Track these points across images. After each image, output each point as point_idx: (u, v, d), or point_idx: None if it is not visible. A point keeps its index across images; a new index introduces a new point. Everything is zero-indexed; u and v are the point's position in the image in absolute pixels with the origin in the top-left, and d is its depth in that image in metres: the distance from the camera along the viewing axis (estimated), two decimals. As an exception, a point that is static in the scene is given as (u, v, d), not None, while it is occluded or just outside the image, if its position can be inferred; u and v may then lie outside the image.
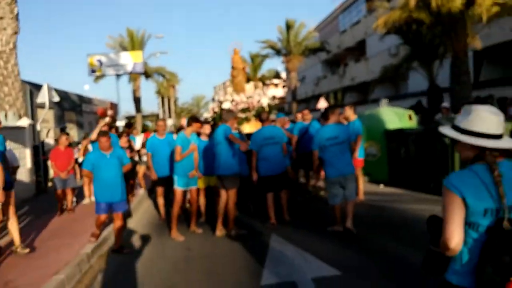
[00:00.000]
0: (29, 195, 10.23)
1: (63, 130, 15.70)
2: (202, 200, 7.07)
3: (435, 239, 1.84)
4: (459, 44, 11.97)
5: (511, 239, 1.65)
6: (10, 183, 5.50)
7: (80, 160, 9.93)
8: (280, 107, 29.24)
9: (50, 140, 12.41)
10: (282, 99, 41.87)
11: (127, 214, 7.37)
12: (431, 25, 12.92)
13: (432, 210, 2.44)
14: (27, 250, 5.52)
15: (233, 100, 9.06)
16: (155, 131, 7.70)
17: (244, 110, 8.85)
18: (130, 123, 16.44)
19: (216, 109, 9.49)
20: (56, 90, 12.27)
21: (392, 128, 9.67)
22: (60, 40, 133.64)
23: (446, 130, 1.93)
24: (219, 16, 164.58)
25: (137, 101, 32.45)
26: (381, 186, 9.41)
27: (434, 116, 11.90)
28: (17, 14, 10.41)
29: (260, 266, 4.65)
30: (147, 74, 32.68)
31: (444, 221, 1.77)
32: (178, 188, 6.22)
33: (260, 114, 6.99)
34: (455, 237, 1.72)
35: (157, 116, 41.28)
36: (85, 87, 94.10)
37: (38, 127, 12.05)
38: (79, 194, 9.26)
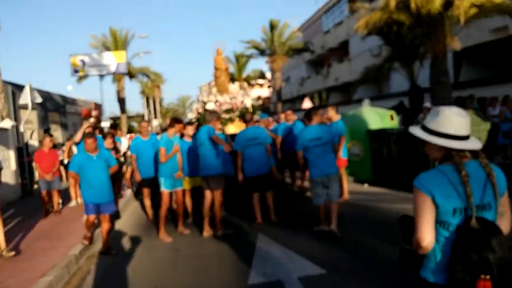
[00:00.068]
0: (15, 197, 10.16)
1: (47, 132, 15.56)
2: (188, 201, 7.14)
3: (408, 238, 1.89)
4: (439, 45, 12.23)
5: (479, 238, 1.70)
6: None
7: (65, 161, 9.90)
8: (266, 107, 29.40)
9: (34, 142, 12.34)
10: (267, 99, 42.07)
11: (115, 215, 7.40)
12: (411, 26, 13.12)
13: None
14: (12, 253, 5.53)
15: (216, 101, 9.12)
16: (139, 132, 7.75)
17: (228, 111, 8.92)
18: (115, 124, 16.38)
19: (200, 110, 9.55)
20: (39, 91, 12.20)
21: (374, 128, 9.85)
22: (42, 40, 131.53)
23: (415, 130, 1.97)
24: (204, 16, 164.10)
25: (121, 101, 32.18)
26: (365, 185, 9.54)
27: (417, 116, 12.14)
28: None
29: (247, 266, 4.74)
30: (131, 75, 32.42)
31: (416, 220, 1.82)
32: (164, 190, 6.28)
33: (244, 115, 7.05)
34: (427, 236, 1.77)
35: (142, 116, 41.04)
36: (69, 88, 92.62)
37: (22, 129, 11.94)
38: (65, 196, 9.23)
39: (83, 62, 27.20)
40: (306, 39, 32.93)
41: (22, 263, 5.25)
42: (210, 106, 9.02)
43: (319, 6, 34.64)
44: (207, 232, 6.21)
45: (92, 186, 5.55)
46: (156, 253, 5.64)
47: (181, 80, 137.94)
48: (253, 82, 38.36)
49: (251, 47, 31.23)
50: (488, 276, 1.67)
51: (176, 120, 6.74)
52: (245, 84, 34.88)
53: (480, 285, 1.68)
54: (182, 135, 7.06)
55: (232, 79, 33.02)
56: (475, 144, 1.86)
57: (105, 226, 5.69)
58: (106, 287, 4.65)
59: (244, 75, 35.96)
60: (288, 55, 30.53)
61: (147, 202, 7.58)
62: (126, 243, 6.29)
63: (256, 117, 7.94)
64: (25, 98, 11.40)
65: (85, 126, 7.47)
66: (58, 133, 23.78)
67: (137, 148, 7.39)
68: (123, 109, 32.57)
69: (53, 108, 24.72)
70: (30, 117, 15.13)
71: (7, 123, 10.23)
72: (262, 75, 38.49)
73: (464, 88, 16.84)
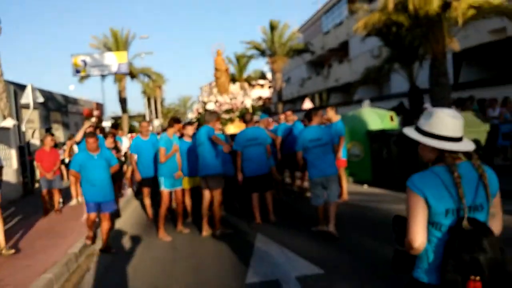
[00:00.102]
0: (16, 196, 10.23)
1: (48, 131, 15.62)
2: (188, 201, 7.19)
3: (400, 239, 1.90)
4: (437, 46, 12.25)
5: (470, 239, 1.71)
6: None
7: (66, 161, 9.96)
8: (267, 107, 29.42)
9: (35, 141, 12.39)
10: (268, 99, 42.08)
11: (116, 214, 7.46)
12: (410, 27, 13.14)
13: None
14: (12, 252, 5.56)
15: (216, 101, 9.17)
16: (140, 132, 7.81)
17: (228, 111, 8.98)
18: (116, 124, 16.45)
19: (201, 110, 9.61)
20: (41, 91, 12.27)
21: (374, 129, 9.89)
22: (44, 40, 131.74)
23: (409, 131, 1.98)
24: (205, 16, 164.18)
25: (123, 101, 32.24)
26: (365, 186, 9.56)
27: (417, 117, 12.16)
28: (-1, 15, 10.37)
29: (245, 265, 4.78)
30: (132, 75, 32.49)
31: (408, 221, 1.83)
32: (164, 189, 6.33)
33: (244, 115, 7.10)
34: (419, 237, 1.78)
35: (143, 116, 41.08)
36: (70, 88, 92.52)
37: (23, 128, 12.01)
38: (66, 194, 9.29)
39: (85, 62, 27.27)
40: (306, 40, 32.96)
41: (22, 260, 5.30)
42: (210, 106, 9.07)
43: (318, 7, 34.70)
44: (206, 231, 6.26)
45: (93, 185, 5.60)
46: (155, 252, 5.69)
47: (183, 81, 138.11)
48: (254, 82, 38.41)
49: (251, 48, 31.28)
50: (478, 277, 1.68)
51: (175, 120, 6.79)
52: (245, 85, 34.91)
53: (470, 286, 1.69)
54: (182, 135, 7.12)
55: (233, 80, 33.09)
56: (468, 145, 1.88)
57: (105, 224, 5.75)
58: (105, 285, 4.69)
59: (245, 75, 35.98)
60: (289, 55, 30.57)
61: (147, 201, 7.64)
62: (125, 241, 6.34)
63: (256, 117, 7.98)
64: (26, 97, 11.48)
65: (86, 126, 7.52)
66: (60, 133, 23.87)
67: (137, 148, 7.45)
68: (124, 109, 32.63)
69: (55, 107, 24.81)
70: (31, 116, 15.21)
71: (9, 122, 10.29)
72: (262, 76, 38.53)
73: (463, 89, 16.87)
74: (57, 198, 8.31)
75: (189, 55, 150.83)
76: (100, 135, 7.70)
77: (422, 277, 1.87)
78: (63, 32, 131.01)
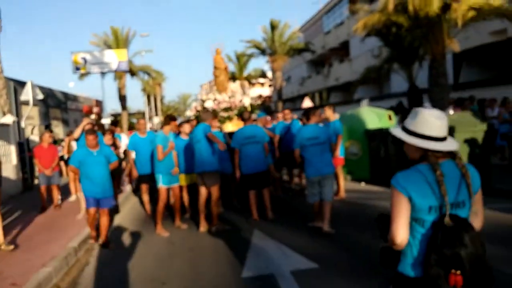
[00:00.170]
0: (16, 191, 10.29)
1: (48, 127, 15.68)
2: (185, 197, 7.27)
3: (385, 235, 1.97)
4: (437, 47, 12.31)
5: (452, 234, 1.77)
6: None
7: (65, 157, 10.01)
8: (267, 106, 29.47)
9: (35, 137, 12.44)
10: (268, 98, 42.13)
11: (115, 210, 7.52)
12: (410, 28, 13.20)
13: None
14: (11, 247, 5.61)
15: (215, 99, 9.23)
16: (137, 129, 7.88)
17: (226, 109, 9.04)
18: (115, 121, 16.50)
19: (199, 108, 9.68)
20: (41, 88, 12.32)
21: (373, 128, 9.95)
22: (44, 37, 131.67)
23: (395, 131, 2.04)
24: (205, 15, 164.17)
25: (122, 99, 32.28)
26: (362, 184, 9.62)
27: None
28: (-1, 12, 10.42)
29: (242, 260, 4.84)
30: (132, 72, 32.51)
31: (391, 218, 1.89)
32: (162, 186, 6.39)
33: (242, 114, 7.16)
34: (401, 233, 1.85)
35: (143, 114, 41.15)
36: (70, 85, 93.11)
37: (23, 124, 12.06)
38: (65, 190, 9.34)
39: (85, 60, 27.30)
40: (307, 40, 33.00)
41: (22, 254, 5.36)
42: (209, 104, 9.13)
43: (320, 7, 34.75)
44: (203, 227, 6.33)
45: (92, 181, 5.66)
46: (154, 247, 5.76)
47: (183, 79, 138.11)
48: (254, 81, 38.42)
49: (252, 47, 31.30)
50: (459, 271, 1.74)
51: (170, 117, 6.86)
52: (245, 83, 34.93)
53: (451, 280, 1.74)
54: (179, 133, 7.18)
55: (233, 78, 33.10)
56: (451, 145, 1.93)
57: (104, 220, 5.81)
58: (104, 279, 4.75)
59: (245, 74, 36.01)
60: (289, 54, 30.59)
61: (145, 197, 7.72)
62: (124, 236, 6.40)
63: (254, 116, 8.04)
64: (26, 94, 11.54)
65: (85, 123, 7.57)
66: (59, 129, 23.95)
67: (135, 145, 7.52)
68: (124, 106, 32.68)
69: (55, 104, 24.88)
70: (31, 113, 15.25)
71: (9, 119, 10.34)
72: (263, 74, 38.56)
73: (463, 89, 16.93)
74: (56, 194, 8.36)
75: (190, 53, 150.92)
76: (99, 132, 7.75)
77: (406, 271, 1.93)
78: (64, 30, 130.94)
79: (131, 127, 30.44)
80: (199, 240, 5.95)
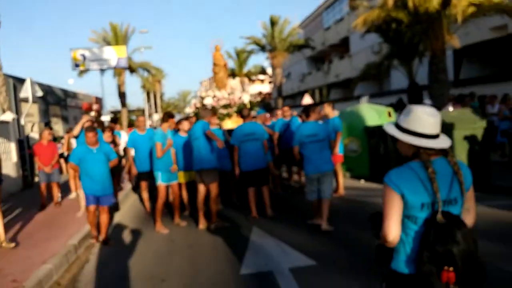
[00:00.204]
0: (16, 189, 10.31)
1: (47, 125, 15.68)
2: (184, 194, 7.29)
3: (378, 234, 1.97)
4: (437, 43, 12.30)
5: (444, 231, 1.77)
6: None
7: (65, 154, 10.01)
8: (267, 103, 29.46)
9: (35, 134, 12.44)
10: (268, 95, 42.12)
11: (115, 208, 7.54)
12: (410, 24, 13.18)
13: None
14: (12, 245, 5.61)
15: (214, 96, 9.23)
16: (137, 126, 7.88)
17: (225, 106, 9.04)
18: (115, 118, 16.51)
19: (198, 105, 9.68)
20: (40, 84, 12.31)
21: (372, 125, 9.94)
22: (44, 34, 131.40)
23: (388, 127, 2.05)
24: (205, 11, 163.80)
25: (122, 96, 32.30)
26: (362, 181, 9.62)
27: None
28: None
29: (240, 257, 4.86)
30: (131, 69, 32.51)
31: (383, 216, 1.90)
32: (161, 184, 6.41)
33: (241, 111, 7.16)
34: (393, 230, 1.86)
35: (143, 111, 41.17)
36: (70, 82, 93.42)
37: (23, 122, 12.06)
38: (65, 188, 9.36)
39: (84, 57, 27.29)
40: (307, 36, 32.98)
41: (22, 251, 5.39)
42: (208, 101, 9.13)
43: (320, 3, 34.66)
44: (202, 224, 6.34)
45: (92, 179, 5.67)
46: (153, 244, 5.78)
47: (182, 75, 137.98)
48: (254, 77, 38.39)
49: (251, 43, 31.26)
50: (451, 268, 1.74)
51: (169, 115, 6.86)
52: (245, 80, 34.90)
53: (444, 276, 1.75)
54: (177, 130, 7.18)
55: (233, 75, 33.07)
56: (444, 142, 1.93)
57: (104, 217, 5.83)
58: (104, 275, 4.77)
59: (245, 70, 35.98)
60: (289, 51, 30.56)
61: (145, 195, 7.74)
62: (124, 234, 6.42)
63: (253, 113, 8.04)
64: (26, 91, 11.53)
65: (84, 120, 7.57)
66: (59, 126, 23.95)
67: (134, 142, 7.52)
68: (123, 103, 32.70)
69: (54, 101, 24.87)
70: (31, 110, 15.26)
71: (8, 116, 10.34)
72: (263, 71, 38.53)
73: (464, 86, 16.92)
74: (56, 192, 8.38)
75: (189, 50, 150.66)
76: (99, 129, 7.76)
77: (399, 268, 1.93)
78: (63, 26, 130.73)
79: (131, 124, 30.49)
80: (198, 237, 5.97)
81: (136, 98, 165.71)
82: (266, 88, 47.28)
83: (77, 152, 5.81)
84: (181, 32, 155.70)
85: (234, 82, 31.08)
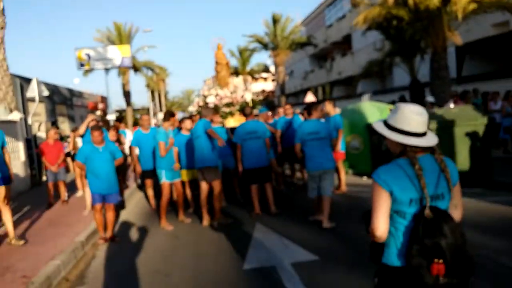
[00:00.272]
0: (25, 188, 10.47)
1: (54, 124, 15.85)
2: (188, 191, 7.42)
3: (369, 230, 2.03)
4: (438, 40, 12.31)
5: (432, 225, 1.83)
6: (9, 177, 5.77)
7: (72, 153, 10.15)
8: (270, 101, 29.53)
9: (42, 134, 12.60)
10: (271, 93, 42.16)
11: (121, 206, 7.67)
12: (411, 21, 13.18)
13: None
14: (21, 242, 5.74)
15: (217, 95, 9.33)
16: (141, 125, 8.00)
17: (228, 105, 9.14)
18: (121, 117, 16.64)
19: (201, 103, 9.78)
20: (46, 84, 12.46)
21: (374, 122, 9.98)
22: (49, 33, 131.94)
23: (377, 125, 2.09)
24: (208, 10, 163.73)
25: (127, 95, 32.46)
26: (364, 178, 9.65)
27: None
28: (3, 9, 10.54)
29: (243, 253, 4.96)
30: (135, 68, 32.67)
31: (372, 212, 1.96)
32: (165, 182, 6.52)
33: (244, 109, 7.26)
34: (381, 226, 1.93)
35: (147, 110, 41.35)
36: (75, 81, 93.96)
37: (30, 121, 12.21)
38: (72, 186, 9.50)
39: (89, 56, 27.47)
40: (309, 33, 32.96)
41: (30, 248, 5.53)
42: (211, 99, 9.23)
43: (321, 0, 34.59)
44: (206, 221, 6.46)
45: (98, 177, 5.78)
46: (158, 240, 5.91)
47: (186, 74, 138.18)
48: (257, 75, 38.46)
49: (254, 41, 31.31)
50: (441, 260, 1.80)
51: (170, 113, 6.96)
52: (248, 78, 34.96)
53: (434, 269, 1.81)
54: (180, 128, 7.28)
55: (236, 73, 33.14)
56: (430, 140, 1.98)
57: (110, 215, 5.96)
58: (111, 271, 4.90)
59: (248, 68, 36.05)
60: (291, 49, 30.57)
61: (150, 192, 7.88)
62: (130, 231, 6.55)
63: (255, 111, 8.13)
64: (32, 91, 11.69)
65: (89, 119, 7.69)
66: (65, 125, 24.16)
67: (138, 141, 7.64)
68: (128, 102, 32.87)
69: (60, 101, 25.08)
70: (38, 109, 15.43)
71: (16, 116, 10.49)
72: (265, 69, 38.59)
73: (466, 83, 16.91)
74: (63, 190, 8.51)
75: (193, 49, 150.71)
76: (104, 128, 7.87)
77: (390, 261, 2.01)
78: (68, 26, 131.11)
79: (136, 123, 30.66)
80: (202, 233, 6.09)
81: (141, 97, 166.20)
82: (269, 86, 47.33)
83: (83, 151, 5.91)
84: (184, 30, 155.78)
85: (238, 81, 31.18)
